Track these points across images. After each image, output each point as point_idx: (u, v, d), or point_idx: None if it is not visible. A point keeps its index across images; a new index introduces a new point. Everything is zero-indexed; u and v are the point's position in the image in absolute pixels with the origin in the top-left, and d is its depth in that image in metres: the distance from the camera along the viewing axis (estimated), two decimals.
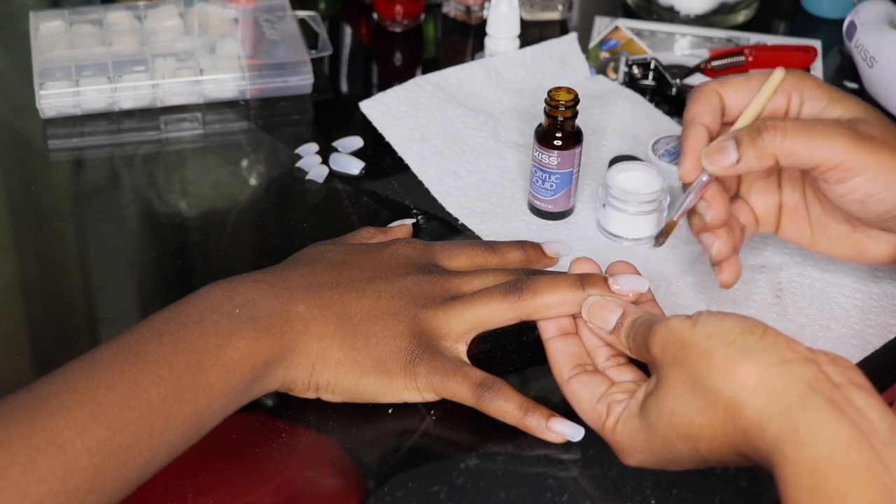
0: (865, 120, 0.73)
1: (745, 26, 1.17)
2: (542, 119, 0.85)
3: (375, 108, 1.00)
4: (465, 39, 1.15)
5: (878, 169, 0.71)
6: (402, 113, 0.99)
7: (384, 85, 1.05)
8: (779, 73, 0.75)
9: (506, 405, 0.69)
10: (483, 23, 1.10)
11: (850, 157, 0.70)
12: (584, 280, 0.71)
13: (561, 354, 0.70)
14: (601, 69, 1.08)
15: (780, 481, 0.55)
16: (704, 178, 0.74)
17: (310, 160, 0.95)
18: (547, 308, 0.71)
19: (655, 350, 0.63)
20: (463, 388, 0.69)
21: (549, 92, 0.84)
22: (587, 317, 0.70)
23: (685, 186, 0.76)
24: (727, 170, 0.73)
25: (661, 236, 0.77)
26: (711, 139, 0.75)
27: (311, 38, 1.08)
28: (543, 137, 0.85)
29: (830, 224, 0.77)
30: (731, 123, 0.76)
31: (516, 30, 1.05)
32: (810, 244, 0.79)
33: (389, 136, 0.97)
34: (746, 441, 0.58)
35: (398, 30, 1.14)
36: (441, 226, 0.89)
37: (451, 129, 0.98)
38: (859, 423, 0.55)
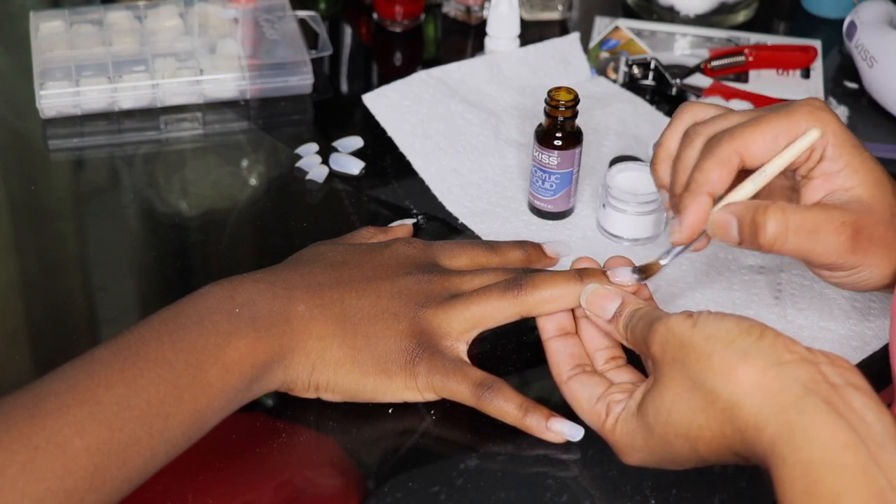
0: (871, 207, 0.70)
1: (745, 26, 1.17)
2: (542, 118, 0.85)
3: (378, 102, 1.00)
4: (465, 39, 1.15)
5: (866, 266, 0.70)
6: (405, 107, 0.99)
7: (384, 85, 1.05)
8: (813, 135, 0.69)
9: (505, 405, 0.69)
10: (483, 23, 1.10)
11: (844, 259, 0.69)
12: (583, 274, 0.71)
13: (560, 355, 0.70)
14: (601, 69, 1.08)
15: (776, 482, 0.56)
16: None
17: (310, 160, 0.95)
18: (546, 302, 0.71)
19: (655, 349, 0.63)
20: (463, 387, 0.69)
21: (550, 92, 0.84)
22: (586, 305, 0.70)
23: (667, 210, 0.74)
24: (730, 244, 0.70)
25: (644, 274, 0.71)
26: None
27: (311, 38, 1.08)
28: (543, 137, 0.85)
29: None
30: (749, 171, 0.71)
31: (516, 30, 1.06)
32: None
33: (391, 131, 0.97)
34: (743, 442, 0.58)
35: (398, 30, 1.14)
36: (441, 226, 0.89)
37: (452, 125, 0.98)
38: (856, 426, 0.55)
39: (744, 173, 0.71)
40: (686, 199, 0.70)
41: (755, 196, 0.70)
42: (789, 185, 0.74)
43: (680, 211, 0.70)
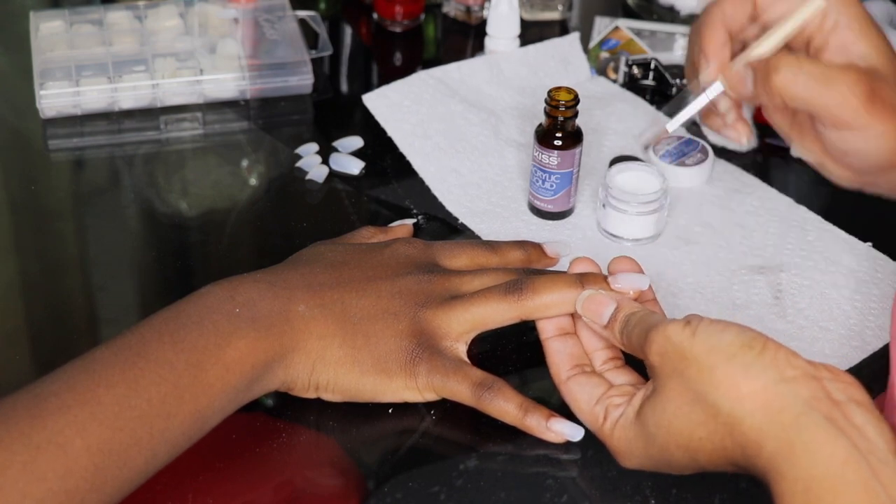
0: (885, 75, 0.71)
1: None
2: (542, 118, 0.85)
3: (378, 102, 1.00)
4: (465, 39, 1.15)
5: (876, 132, 0.69)
6: (405, 108, 0.99)
7: (384, 85, 1.05)
8: (818, 4, 0.72)
9: (506, 405, 0.69)
10: (483, 23, 1.10)
11: (857, 117, 0.69)
12: (583, 279, 0.71)
13: (559, 355, 0.70)
14: (601, 69, 1.08)
15: (776, 498, 0.56)
16: (713, 88, 0.73)
17: (310, 160, 0.95)
18: (547, 307, 0.71)
19: (654, 358, 0.63)
20: (463, 387, 0.69)
21: (550, 92, 0.84)
22: (581, 311, 0.70)
23: (688, 85, 0.75)
24: (744, 97, 0.71)
25: (650, 142, 0.74)
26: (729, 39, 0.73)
27: (311, 38, 1.08)
28: (543, 137, 0.85)
29: (808, 132, 0.75)
30: (759, 23, 0.74)
31: (516, 30, 1.06)
32: (784, 131, 0.77)
33: (391, 131, 0.97)
34: (744, 456, 0.58)
35: (398, 30, 1.14)
36: (441, 226, 0.89)
37: (452, 125, 0.98)
38: (857, 442, 0.55)
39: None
40: (701, 28, 0.73)
41: None
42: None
43: (700, 45, 0.73)
